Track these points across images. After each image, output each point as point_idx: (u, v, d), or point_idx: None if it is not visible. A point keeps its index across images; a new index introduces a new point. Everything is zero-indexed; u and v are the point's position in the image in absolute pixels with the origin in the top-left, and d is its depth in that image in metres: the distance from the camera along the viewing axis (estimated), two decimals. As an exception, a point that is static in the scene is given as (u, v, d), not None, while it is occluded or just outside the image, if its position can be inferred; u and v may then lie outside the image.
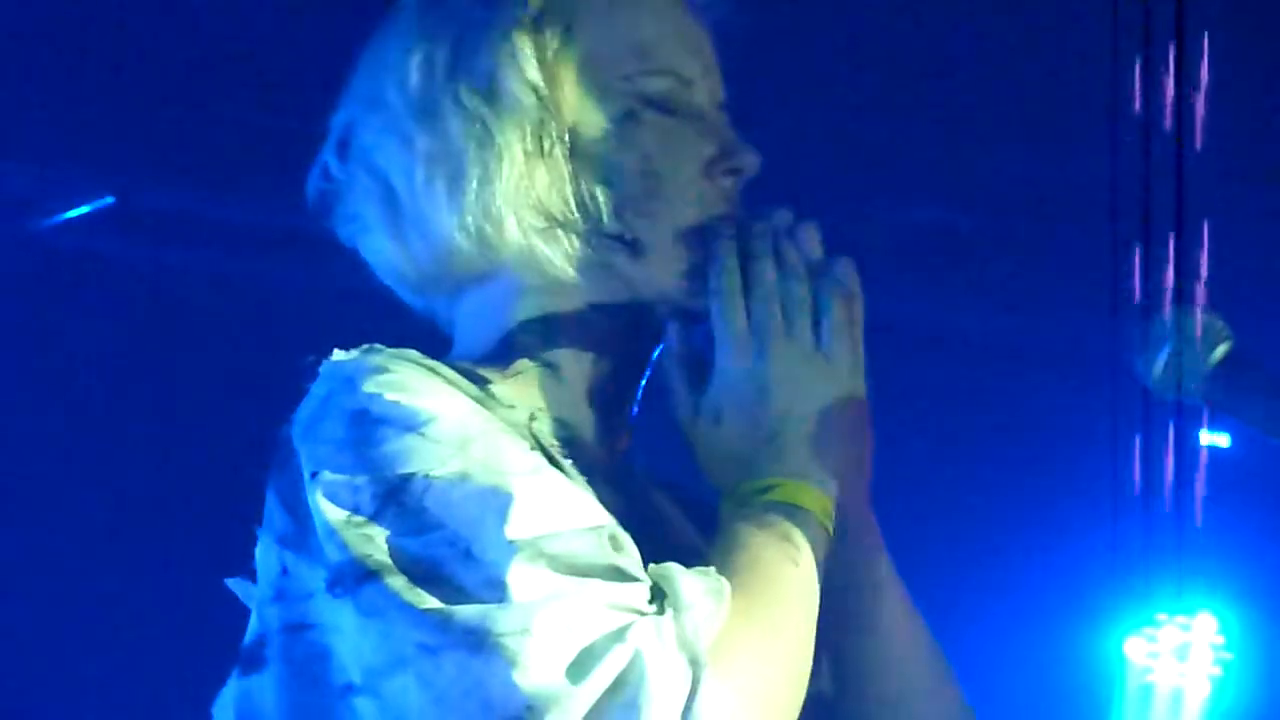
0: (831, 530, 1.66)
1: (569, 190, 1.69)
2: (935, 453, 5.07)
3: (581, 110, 1.71)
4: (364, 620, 1.51)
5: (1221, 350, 1.78)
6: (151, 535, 4.90)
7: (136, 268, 5.03)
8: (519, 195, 1.69)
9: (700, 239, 1.72)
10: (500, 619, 1.46)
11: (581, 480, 1.63)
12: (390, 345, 1.66)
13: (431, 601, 1.49)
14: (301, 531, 1.58)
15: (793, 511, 1.64)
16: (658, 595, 1.52)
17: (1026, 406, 5.33)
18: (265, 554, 1.62)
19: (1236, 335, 1.79)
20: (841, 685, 1.76)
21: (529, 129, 1.69)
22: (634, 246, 1.70)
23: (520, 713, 1.45)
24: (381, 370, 1.60)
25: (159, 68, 4.32)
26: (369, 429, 1.56)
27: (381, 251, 1.76)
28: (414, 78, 1.72)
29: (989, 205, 4.84)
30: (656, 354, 1.76)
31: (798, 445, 1.67)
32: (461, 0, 1.74)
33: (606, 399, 1.75)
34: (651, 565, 1.55)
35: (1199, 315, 1.79)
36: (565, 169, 1.70)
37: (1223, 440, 4.90)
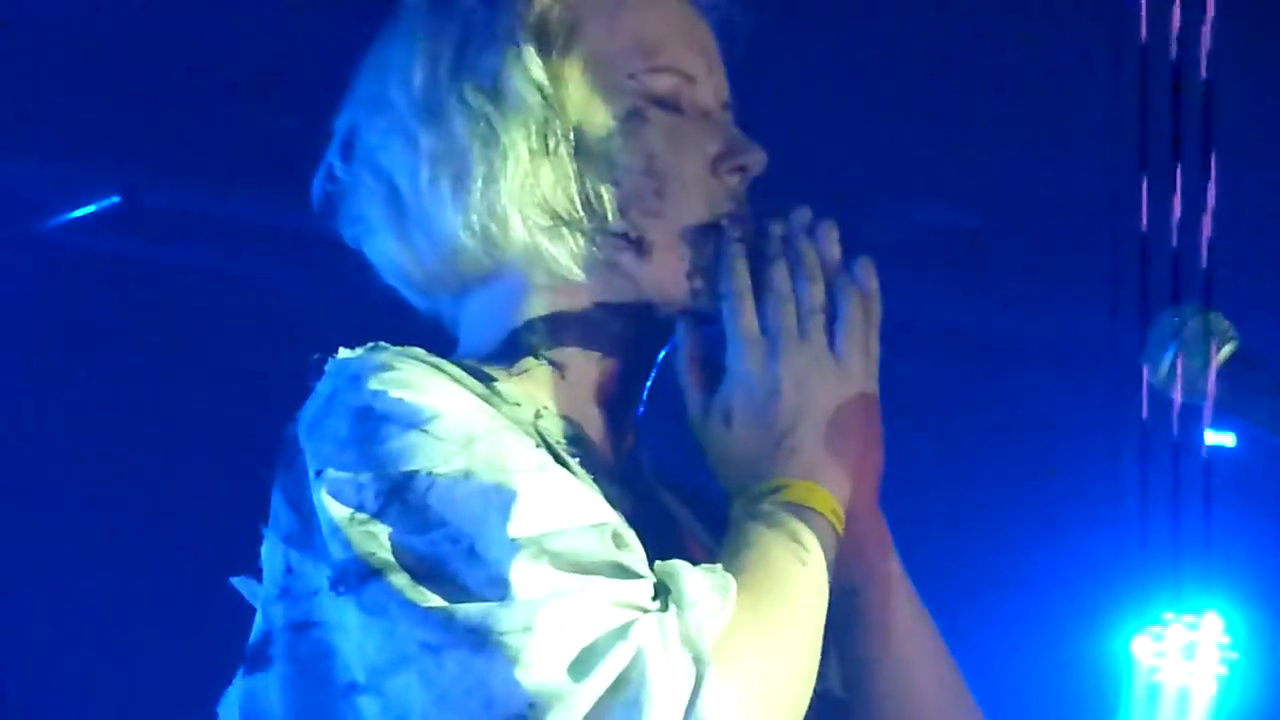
0: (841, 531, 1.66)
1: (574, 189, 1.69)
2: (943, 453, 5.08)
3: (586, 109, 1.71)
4: (367, 618, 1.51)
5: (1228, 350, 1.78)
6: (157, 534, 4.91)
7: (142, 267, 5.03)
8: (524, 194, 1.68)
9: (707, 238, 1.72)
10: (502, 617, 1.46)
11: (588, 478, 1.63)
12: (396, 345, 1.66)
13: (434, 600, 1.48)
14: (306, 529, 1.58)
15: (802, 512, 1.64)
16: (662, 592, 1.52)
17: (1033, 406, 5.33)
18: (271, 552, 1.62)
19: (1242, 335, 1.79)
20: (849, 684, 1.76)
21: (534, 128, 1.69)
22: (640, 245, 1.70)
23: (522, 711, 1.44)
24: (386, 368, 1.60)
25: (165, 68, 4.32)
26: (373, 426, 1.56)
27: (386, 252, 1.76)
28: (418, 78, 1.72)
29: (991, 206, 4.84)
30: (663, 353, 1.76)
31: (808, 447, 1.67)
32: (465, 0, 1.74)
33: (613, 397, 1.74)
34: (657, 562, 1.54)
35: (1205, 316, 1.79)
36: (570, 167, 1.69)
37: (1228, 440, 4.90)
